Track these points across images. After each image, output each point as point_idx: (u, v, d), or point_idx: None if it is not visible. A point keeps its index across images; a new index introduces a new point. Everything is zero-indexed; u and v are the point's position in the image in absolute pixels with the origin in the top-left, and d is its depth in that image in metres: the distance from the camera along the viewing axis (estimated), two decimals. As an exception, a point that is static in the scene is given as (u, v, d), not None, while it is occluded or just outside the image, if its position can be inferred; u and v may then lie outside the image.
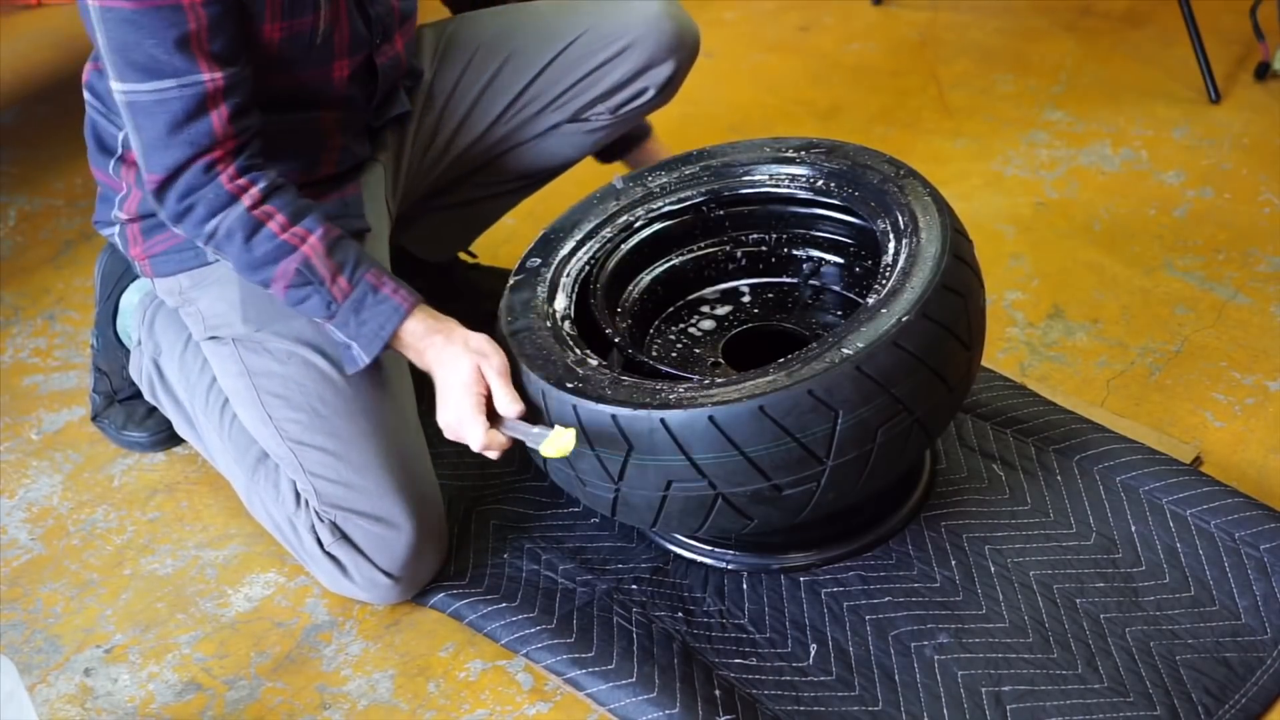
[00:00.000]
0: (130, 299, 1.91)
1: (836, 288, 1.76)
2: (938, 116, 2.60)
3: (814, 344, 1.47)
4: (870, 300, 1.50)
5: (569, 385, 1.49)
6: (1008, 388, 1.87)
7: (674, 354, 1.71)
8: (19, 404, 2.06)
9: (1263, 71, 2.58)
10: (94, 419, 1.97)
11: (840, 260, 1.75)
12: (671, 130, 2.62)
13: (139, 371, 1.88)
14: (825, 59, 2.82)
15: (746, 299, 1.78)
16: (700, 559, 1.66)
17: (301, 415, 1.63)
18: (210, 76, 1.47)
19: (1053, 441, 1.77)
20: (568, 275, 1.66)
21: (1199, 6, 2.54)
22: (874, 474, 1.48)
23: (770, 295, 1.78)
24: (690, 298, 1.79)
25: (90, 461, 1.94)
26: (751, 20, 2.97)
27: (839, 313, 1.74)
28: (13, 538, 1.83)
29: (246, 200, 1.51)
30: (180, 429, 1.87)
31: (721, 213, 1.76)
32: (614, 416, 1.44)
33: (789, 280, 1.78)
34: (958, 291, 1.50)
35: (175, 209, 1.53)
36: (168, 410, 1.86)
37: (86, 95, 1.70)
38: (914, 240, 1.53)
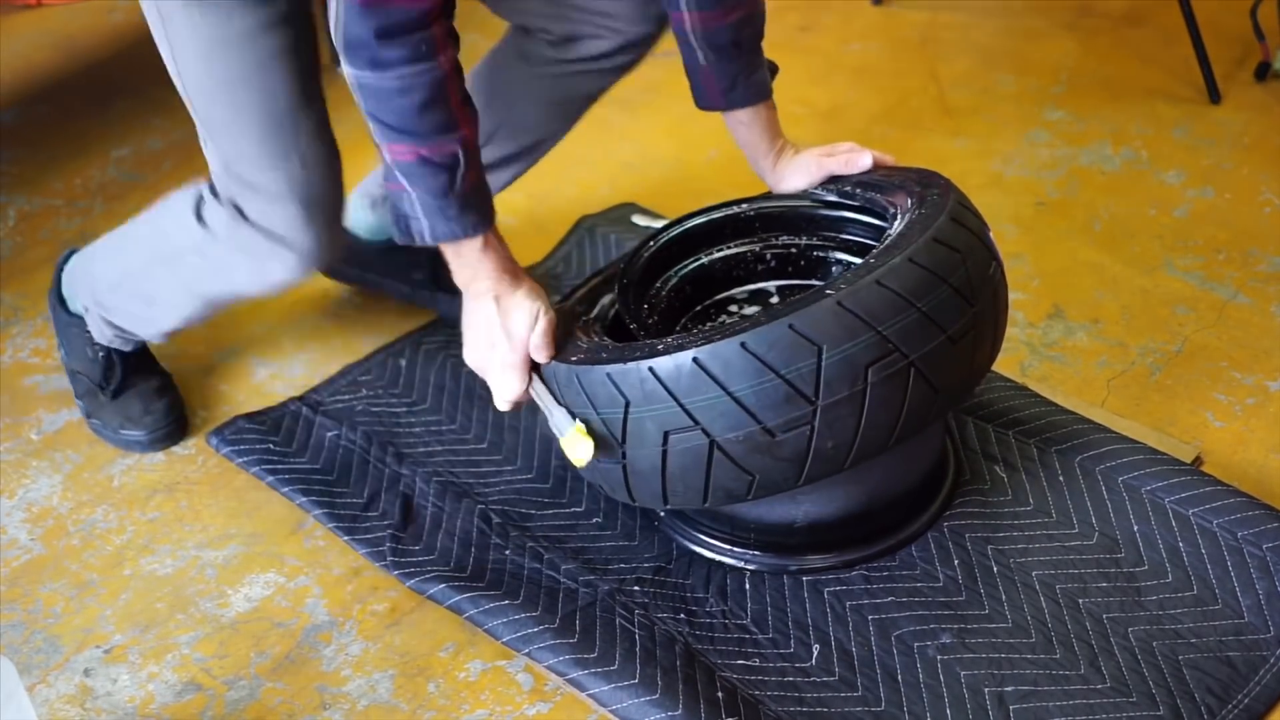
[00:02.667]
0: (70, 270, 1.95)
1: None
2: (938, 116, 2.60)
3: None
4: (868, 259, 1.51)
5: (573, 359, 1.52)
6: (1009, 388, 1.87)
7: None
8: (19, 404, 2.05)
9: (1263, 71, 2.59)
10: (88, 419, 1.97)
11: None
12: (672, 128, 2.62)
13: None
14: (825, 59, 2.82)
15: (775, 300, 1.78)
16: (704, 553, 1.66)
17: (205, 80, 1.62)
18: None
19: (1054, 442, 1.77)
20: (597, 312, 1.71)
21: (1199, 6, 2.54)
22: (872, 421, 1.44)
23: (798, 297, 1.78)
24: (718, 297, 1.79)
25: (90, 461, 1.94)
26: (751, 20, 2.97)
27: None
28: (13, 538, 1.83)
29: (446, 65, 1.40)
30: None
31: (752, 213, 1.77)
32: (608, 375, 1.47)
33: (818, 283, 1.78)
34: (953, 248, 1.49)
35: (369, 37, 1.38)
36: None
37: None
38: (917, 213, 1.55)
